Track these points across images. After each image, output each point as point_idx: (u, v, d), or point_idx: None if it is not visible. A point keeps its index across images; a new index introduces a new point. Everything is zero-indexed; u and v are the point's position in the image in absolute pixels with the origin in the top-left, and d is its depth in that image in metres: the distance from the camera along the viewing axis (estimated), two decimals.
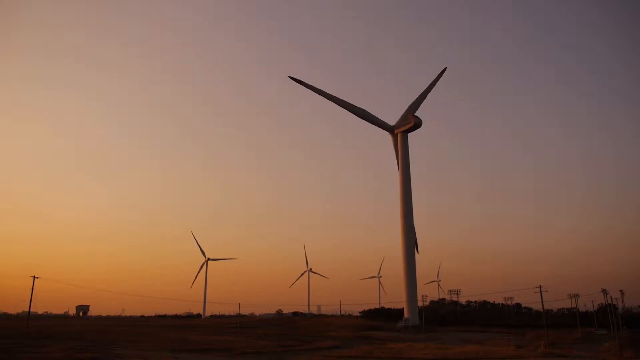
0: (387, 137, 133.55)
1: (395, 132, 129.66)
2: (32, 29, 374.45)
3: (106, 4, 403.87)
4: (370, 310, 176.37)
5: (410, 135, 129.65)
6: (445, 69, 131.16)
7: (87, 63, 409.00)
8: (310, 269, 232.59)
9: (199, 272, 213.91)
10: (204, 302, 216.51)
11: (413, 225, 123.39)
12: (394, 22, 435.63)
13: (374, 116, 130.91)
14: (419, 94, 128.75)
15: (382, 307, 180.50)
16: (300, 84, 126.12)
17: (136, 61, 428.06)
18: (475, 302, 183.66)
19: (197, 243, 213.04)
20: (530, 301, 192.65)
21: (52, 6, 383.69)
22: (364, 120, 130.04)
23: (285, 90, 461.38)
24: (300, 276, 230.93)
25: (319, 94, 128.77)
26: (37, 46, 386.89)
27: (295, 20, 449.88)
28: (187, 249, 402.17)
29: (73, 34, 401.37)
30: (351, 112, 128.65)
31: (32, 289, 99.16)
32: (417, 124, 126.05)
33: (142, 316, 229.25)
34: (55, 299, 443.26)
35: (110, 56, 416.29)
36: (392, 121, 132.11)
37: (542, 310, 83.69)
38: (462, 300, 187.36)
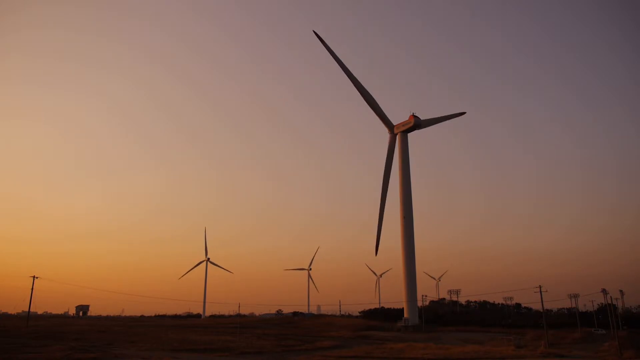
0: (386, 136, 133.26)
1: (395, 132, 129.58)
2: (32, 29, 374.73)
3: (106, 5, 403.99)
4: (370, 310, 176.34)
5: (410, 135, 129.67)
6: (463, 113, 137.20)
7: (87, 63, 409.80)
8: (310, 268, 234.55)
9: (192, 269, 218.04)
10: (204, 302, 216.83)
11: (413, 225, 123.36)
12: (394, 22, 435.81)
13: (380, 108, 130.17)
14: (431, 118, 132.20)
15: (382, 307, 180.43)
16: (322, 42, 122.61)
17: (136, 61, 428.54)
18: (475, 302, 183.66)
19: (205, 240, 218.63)
20: (530, 301, 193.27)
21: (52, 6, 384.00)
22: (366, 112, 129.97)
23: (286, 91, 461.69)
24: (300, 269, 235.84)
25: (337, 62, 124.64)
26: (37, 46, 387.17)
27: (294, 19, 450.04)
28: (187, 250, 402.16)
29: (73, 34, 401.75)
30: (361, 93, 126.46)
31: (32, 289, 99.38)
32: (417, 124, 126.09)
33: (142, 316, 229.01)
34: (55, 299, 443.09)
35: (110, 56, 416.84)
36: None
37: (542, 310, 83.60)
38: (462, 300, 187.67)
